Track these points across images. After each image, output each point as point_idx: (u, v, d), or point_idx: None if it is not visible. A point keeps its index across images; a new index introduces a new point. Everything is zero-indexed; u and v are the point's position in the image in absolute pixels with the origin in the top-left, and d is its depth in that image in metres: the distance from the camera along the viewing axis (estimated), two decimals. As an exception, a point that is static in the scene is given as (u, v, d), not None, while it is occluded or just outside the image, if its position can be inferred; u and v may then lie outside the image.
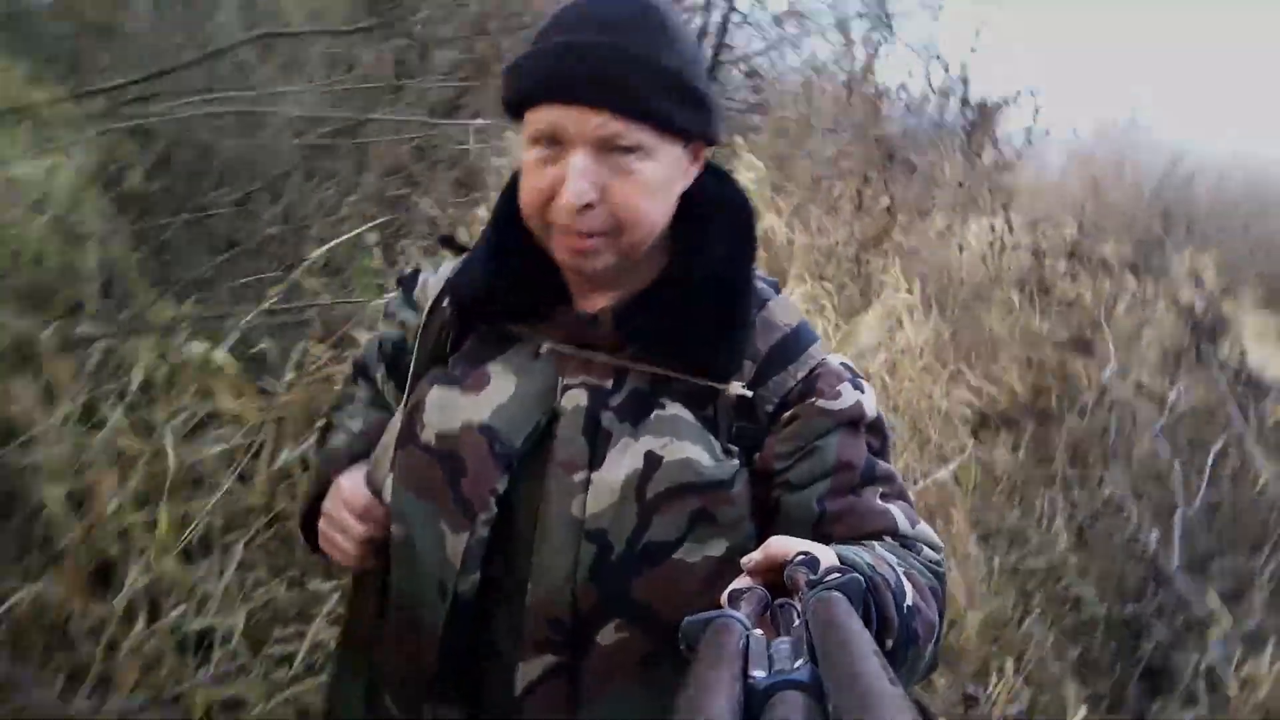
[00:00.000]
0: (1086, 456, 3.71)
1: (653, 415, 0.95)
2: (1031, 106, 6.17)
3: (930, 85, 6.27)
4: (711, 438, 0.95)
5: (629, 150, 0.91)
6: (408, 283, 1.16)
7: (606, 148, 0.91)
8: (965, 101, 6.29)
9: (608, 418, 0.96)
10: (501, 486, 0.95)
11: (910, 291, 3.78)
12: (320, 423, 1.25)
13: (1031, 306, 5.55)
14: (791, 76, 6.04)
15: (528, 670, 0.93)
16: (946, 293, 5.22)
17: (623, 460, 0.93)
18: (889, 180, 5.71)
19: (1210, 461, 3.37)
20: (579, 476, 0.94)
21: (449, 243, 1.16)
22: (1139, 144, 8.57)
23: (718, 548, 0.92)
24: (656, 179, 0.94)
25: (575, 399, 0.97)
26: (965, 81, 6.25)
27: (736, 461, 0.96)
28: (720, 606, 0.65)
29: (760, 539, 0.82)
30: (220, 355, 2.01)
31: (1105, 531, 3.28)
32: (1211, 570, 3.03)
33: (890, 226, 5.22)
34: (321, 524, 1.06)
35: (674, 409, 0.96)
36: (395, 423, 1.05)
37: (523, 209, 0.97)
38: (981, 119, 6.31)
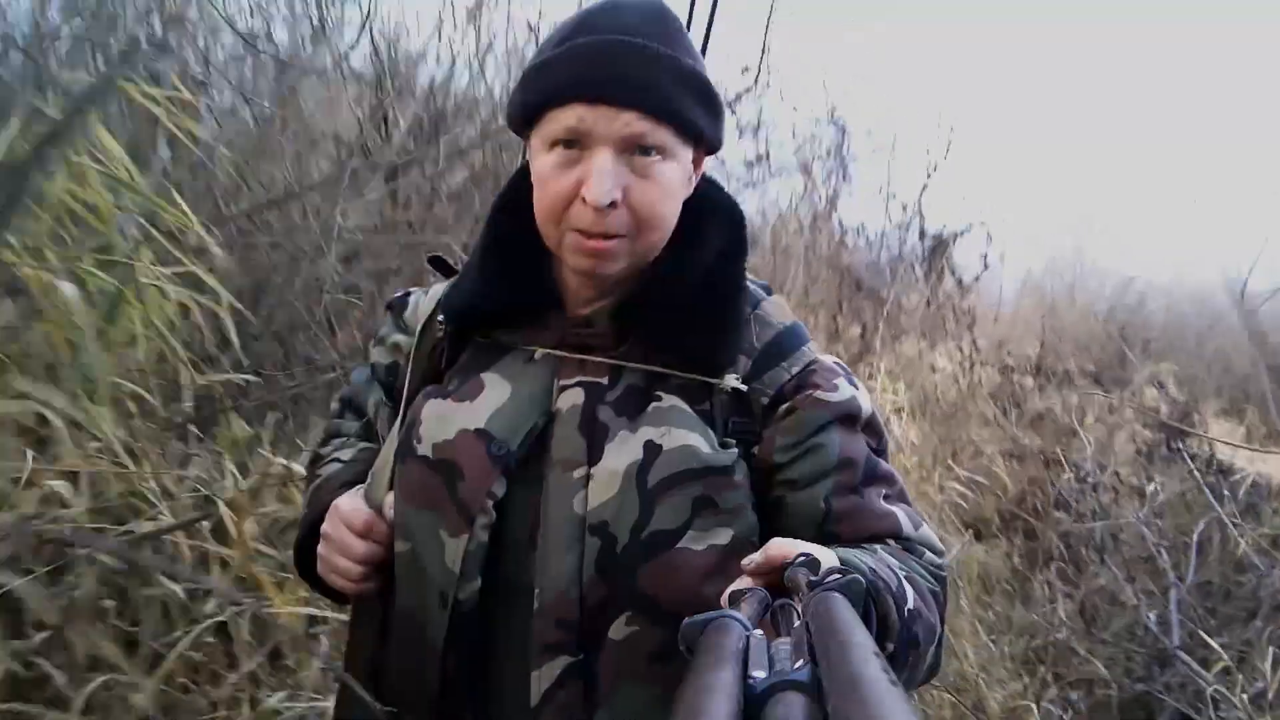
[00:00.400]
0: (1078, 548, 3.85)
1: (650, 407, 0.95)
2: (984, 235, 6.63)
3: (889, 220, 6.73)
4: (709, 429, 0.95)
5: (651, 151, 0.92)
6: (398, 306, 1.15)
7: (629, 148, 0.91)
8: (922, 234, 6.76)
9: (605, 413, 0.95)
10: (499, 489, 0.94)
11: (896, 394, 3.99)
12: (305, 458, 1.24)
13: (1006, 418, 5.81)
14: (757, 219, 6.47)
15: (543, 676, 0.91)
16: (925, 409, 5.47)
17: (622, 451, 0.93)
18: (859, 310, 6.08)
19: (1195, 542, 3.52)
20: (578, 473, 0.93)
21: (439, 264, 1.14)
22: (1087, 270, 9.12)
23: (722, 536, 0.92)
24: (674, 181, 0.95)
25: (572, 398, 0.96)
26: (921, 216, 6.75)
27: (735, 451, 0.95)
28: (721, 606, 0.66)
29: (764, 537, 0.82)
30: (298, 467, 2.14)
31: (1105, 615, 3.38)
32: (1213, 643, 3.13)
33: (865, 352, 5.51)
34: (321, 548, 1.02)
35: (671, 400, 0.96)
36: (392, 440, 1.04)
37: (539, 214, 0.96)
38: (937, 250, 6.78)
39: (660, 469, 0.91)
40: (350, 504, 1.01)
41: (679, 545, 0.90)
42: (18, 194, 1.78)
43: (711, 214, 1.03)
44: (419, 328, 1.07)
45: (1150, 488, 4.09)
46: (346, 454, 1.14)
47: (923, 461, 3.59)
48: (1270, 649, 2.76)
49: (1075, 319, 8.18)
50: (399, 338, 1.12)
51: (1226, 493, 3.63)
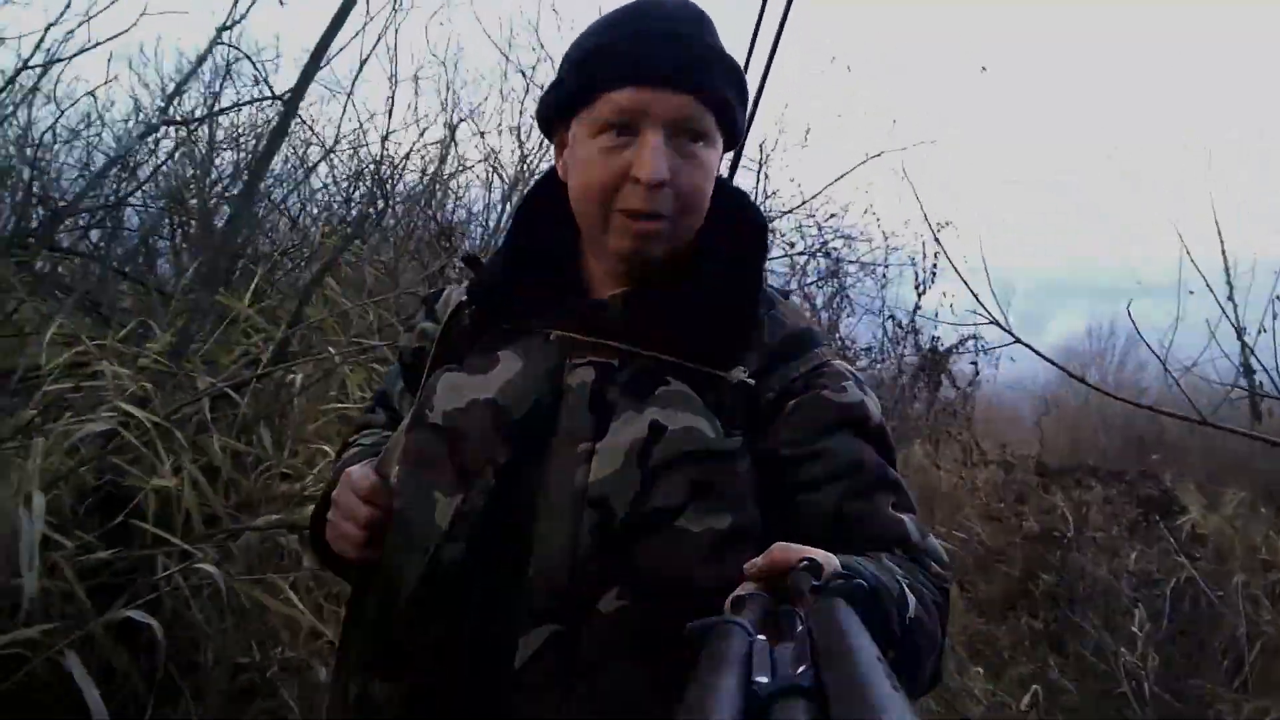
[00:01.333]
0: (1061, 600, 4.24)
1: (659, 390, 0.96)
2: (975, 347, 7.24)
3: (886, 336, 7.37)
4: (715, 418, 0.96)
5: (698, 136, 0.96)
6: (431, 299, 1.18)
7: (678, 132, 0.95)
8: (918, 348, 7.38)
9: (613, 392, 0.96)
10: (501, 456, 0.95)
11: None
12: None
13: (1009, 513, 6.21)
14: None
15: (528, 642, 0.90)
16: (929, 504, 5.88)
17: (627, 429, 0.94)
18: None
19: (1168, 595, 3.92)
20: (583, 447, 0.94)
21: (472, 262, 1.16)
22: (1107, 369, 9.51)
23: (721, 520, 0.91)
24: (713, 168, 1.00)
25: (582, 375, 0.98)
26: (916, 333, 7.38)
27: (740, 440, 0.96)
28: (724, 610, 0.66)
29: (770, 535, 0.82)
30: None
31: (1087, 659, 3.76)
32: (1187, 685, 3.50)
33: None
34: (330, 514, 1.03)
35: (679, 385, 0.96)
36: (407, 419, 1.06)
37: (584, 196, 0.99)
38: (934, 362, 7.37)
39: (663, 448, 0.92)
40: (360, 471, 1.02)
41: (676, 523, 0.91)
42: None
43: (737, 212, 1.07)
44: (446, 315, 1.10)
45: (1133, 555, 4.51)
46: (369, 439, 1.17)
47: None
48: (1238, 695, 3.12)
49: (1070, 415, 8.59)
50: (427, 325, 1.14)
51: (1201, 558, 4.05)
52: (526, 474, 0.94)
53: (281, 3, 3.22)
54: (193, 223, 3.87)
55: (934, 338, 7.29)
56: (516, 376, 0.99)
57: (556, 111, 1.03)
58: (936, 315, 6.38)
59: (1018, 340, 2.24)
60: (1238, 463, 6.45)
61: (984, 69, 6.14)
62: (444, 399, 1.01)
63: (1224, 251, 3.66)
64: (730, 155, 1.15)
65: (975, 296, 2.27)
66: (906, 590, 0.84)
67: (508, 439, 0.96)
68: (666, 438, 0.93)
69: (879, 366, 7.40)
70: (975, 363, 7.32)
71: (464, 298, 1.10)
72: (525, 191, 1.12)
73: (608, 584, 0.90)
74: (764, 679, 0.48)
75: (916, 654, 0.84)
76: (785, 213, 6.33)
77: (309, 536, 1.16)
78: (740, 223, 1.07)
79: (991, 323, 2.23)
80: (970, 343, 7.28)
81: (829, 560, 0.73)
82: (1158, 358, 2.61)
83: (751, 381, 0.98)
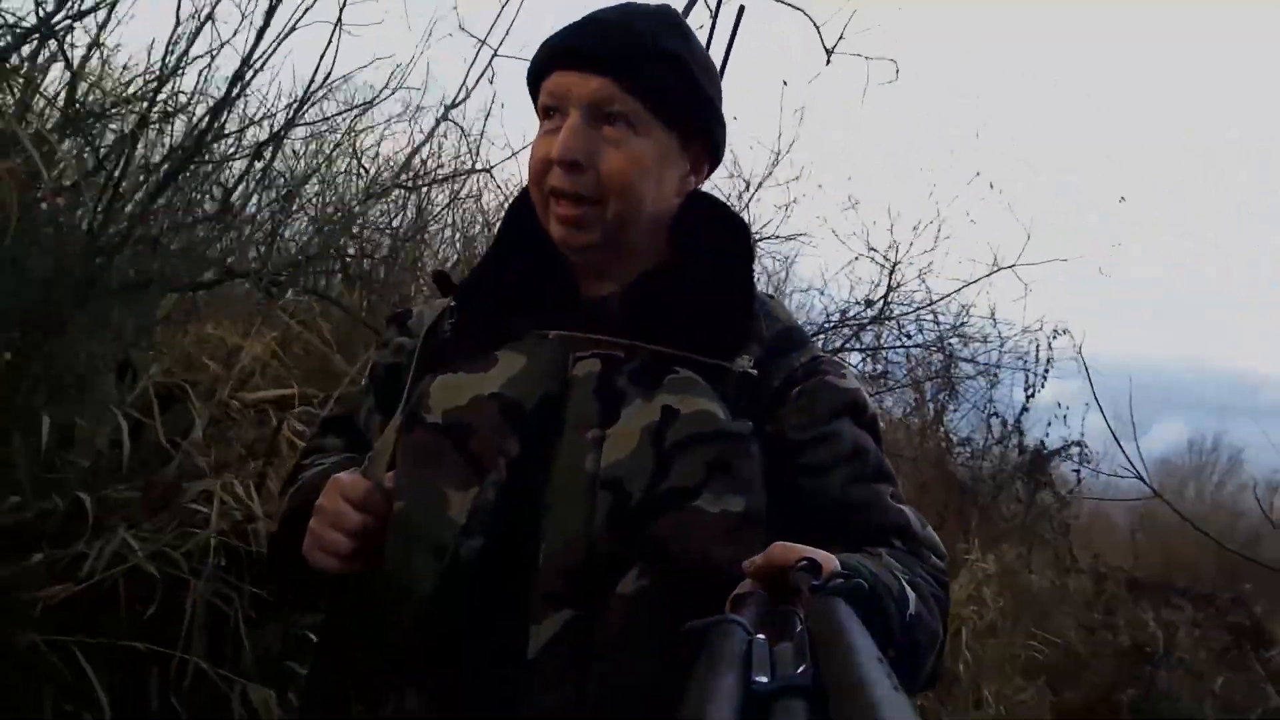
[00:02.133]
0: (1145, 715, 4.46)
1: (667, 378, 0.96)
2: (1078, 453, 7.43)
3: (991, 434, 7.63)
4: (723, 401, 0.96)
5: (619, 120, 0.96)
6: (401, 317, 1.16)
7: (598, 116, 0.96)
8: (1021, 449, 7.61)
9: (622, 381, 0.96)
10: (512, 448, 0.94)
11: (986, 563, 4.72)
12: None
13: (1100, 624, 6.34)
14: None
15: (543, 629, 0.89)
16: (1019, 607, 6.09)
17: (638, 415, 0.93)
18: (963, 512, 6.86)
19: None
20: (592, 434, 0.93)
21: (442, 280, 1.15)
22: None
23: (736, 503, 0.91)
24: (646, 155, 0.98)
25: (588, 366, 0.97)
26: (1021, 433, 7.62)
27: (749, 424, 0.96)
28: (724, 610, 0.64)
29: (777, 521, 0.86)
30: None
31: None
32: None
33: (966, 552, 6.23)
34: (312, 523, 0.96)
35: (686, 373, 0.96)
36: (394, 424, 1.02)
37: (528, 181, 1.02)
38: (1036, 464, 7.58)
39: (678, 430, 0.92)
40: (350, 477, 0.97)
41: (694, 504, 0.90)
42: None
43: (720, 223, 1.09)
44: (424, 329, 1.08)
45: (1219, 681, 4.73)
46: (329, 460, 1.11)
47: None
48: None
49: (1167, 528, 8.57)
50: (402, 339, 1.12)
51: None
52: (537, 464, 0.94)
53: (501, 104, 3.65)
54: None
55: (1041, 440, 7.51)
56: (521, 372, 0.98)
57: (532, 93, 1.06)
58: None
59: (1156, 494, 2.56)
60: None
61: (1123, 199, 6.43)
62: (442, 398, 0.99)
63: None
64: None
65: (1115, 438, 2.57)
66: (906, 587, 0.85)
67: (517, 431, 0.95)
68: (680, 420, 0.93)
69: (979, 463, 7.64)
70: (1078, 470, 7.51)
71: (445, 309, 1.09)
72: (519, 192, 1.12)
73: (627, 565, 0.90)
74: (763, 678, 0.48)
75: (917, 650, 0.86)
76: (915, 308, 6.68)
77: (270, 555, 1.12)
78: (720, 227, 1.09)
79: (1135, 476, 2.53)
80: (1075, 449, 7.48)
81: (828, 559, 0.74)
82: (1260, 506, 2.88)
83: (755, 371, 0.99)
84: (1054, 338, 7.03)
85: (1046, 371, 7.25)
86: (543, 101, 1.00)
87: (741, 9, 1.13)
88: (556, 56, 1.00)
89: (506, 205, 1.18)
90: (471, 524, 0.93)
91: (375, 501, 0.95)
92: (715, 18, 1.87)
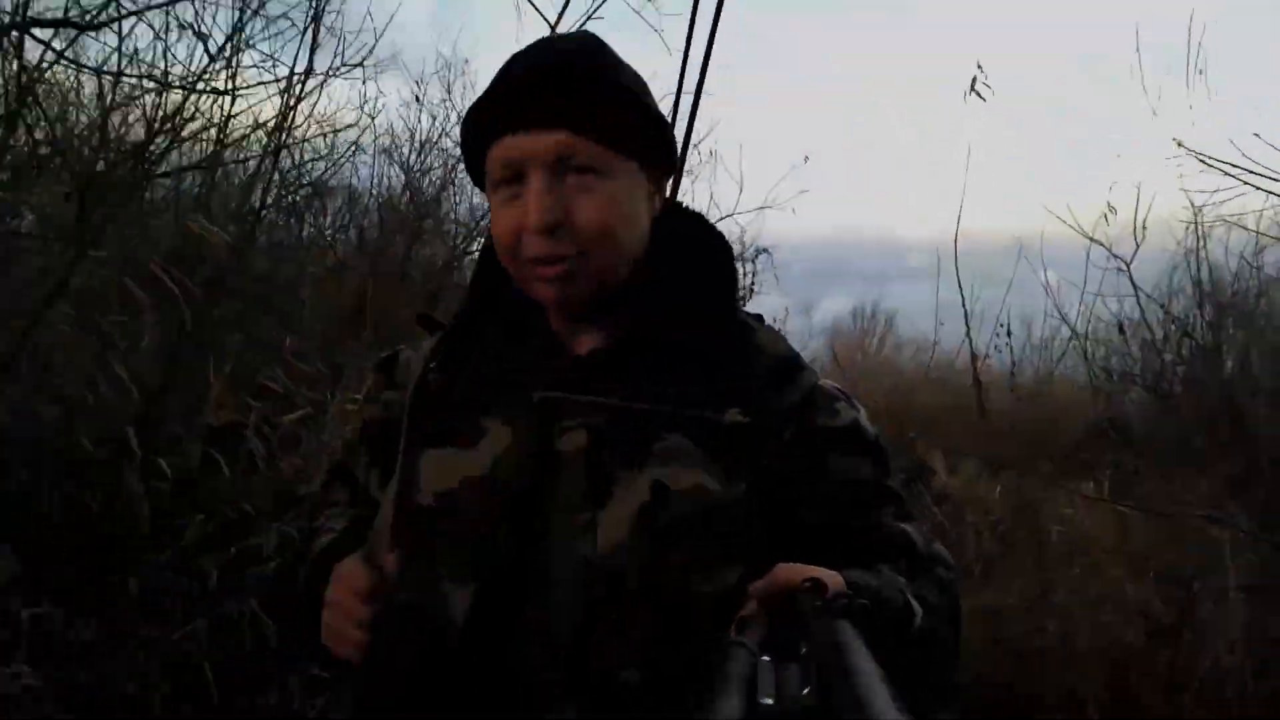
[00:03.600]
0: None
1: (656, 447, 0.93)
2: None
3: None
4: (715, 463, 0.94)
5: (586, 169, 0.93)
6: (387, 365, 1.14)
7: (564, 169, 0.93)
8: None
9: (609, 456, 0.94)
10: (506, 538, 0.92)
11: None
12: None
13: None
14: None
15: None
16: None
17: (629, 495, 0.91)
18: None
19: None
20: (584, 517, 0.91)
21: (427, 321, 1.15)
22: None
23: (733, 574, 0.88)
24: (615, 198, 0.96)
25: (575, 441, 0.95)
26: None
27: (744, 484, 0.94)
28: (729, 633, 0.65)
29: (773, 562, 0.82)
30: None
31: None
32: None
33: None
34: (326, 615, 0.98)
35: (675, 439, 0.94)
36: (390, 494, 1.01)
37: (500, 256, 0.99)
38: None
39: (670, 510, 0.91)
40: (352, 567, 0.98)
41: (690, 588, 0.89)
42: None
43: (697, 246, 1.06)
44: (413, 384, 1.06)
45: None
46: (340, 524, 1.12)
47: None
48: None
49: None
50: (391, 395, 1.11)
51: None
52: (529, 551, 0.92)
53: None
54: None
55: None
56: (507, 450, 0.96)
57: (473, 173, 1.04)
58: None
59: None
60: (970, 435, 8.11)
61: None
62: (432, 478, 0.98)
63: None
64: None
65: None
66: (912, 602, 0.84)
67: (507, 518, 0.93)
68: (671, 499, 0.91)
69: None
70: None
71: (429, 356, 1.07)
72: (485, 244, 1.10)
73: (626, 657, 0.88)
74: (769, 700, 0.49)
75: (928, 665, 0.85)
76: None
77: (297, 627, 1.09)
78: (701, 250, 1.07)
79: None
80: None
81: (833, 579, 0.73)
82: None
83: (746, 420, 0.96)
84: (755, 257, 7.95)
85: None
86: (495, 172, 0.97)
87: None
88: (501, 119, 0.95)
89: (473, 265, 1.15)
90: (472, 620, 0.91)
91: (379, 594, 0.96)
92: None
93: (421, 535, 0.97)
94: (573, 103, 0.94)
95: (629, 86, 0.99)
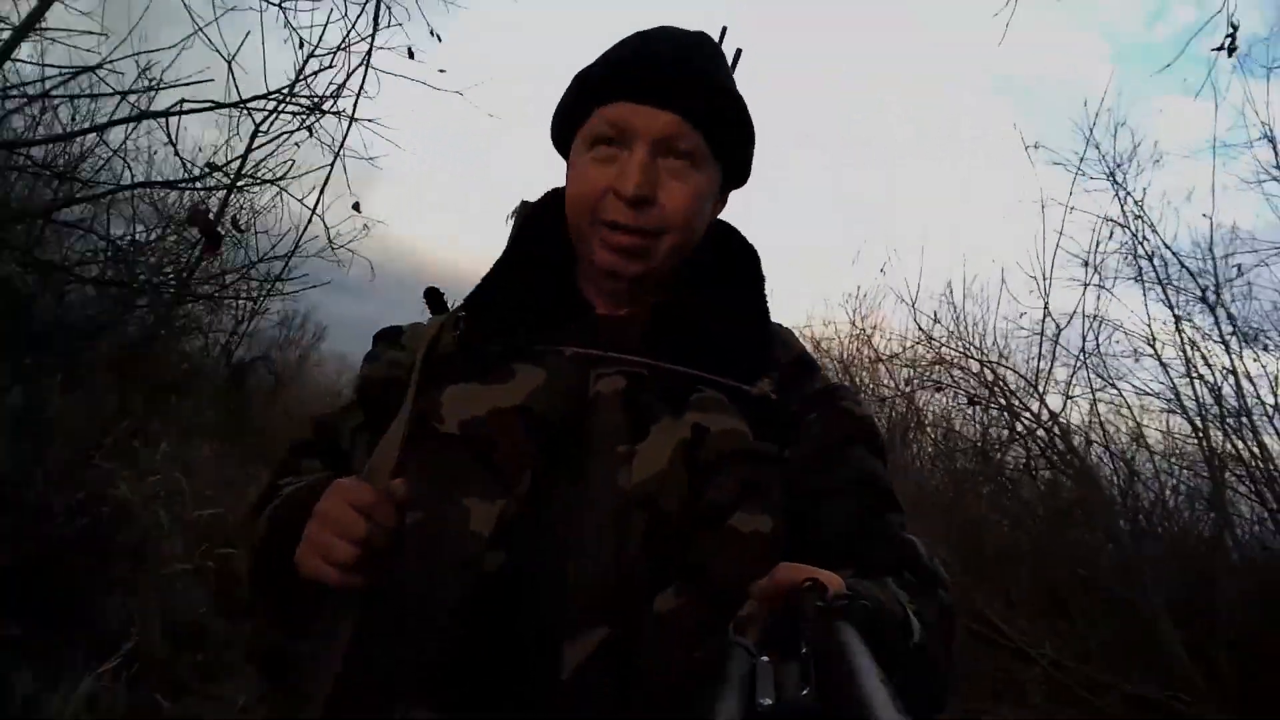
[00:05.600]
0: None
1: (693, 397, 0.95)
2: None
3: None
4: (748, 421, 0.95)
5: (684, 155, 0.97)
6: (390, 334, 1.12)
7: (664, 150, 0.96)
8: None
9: (649, 397, 0.95)
10: (538, 461, 0.91)
11: None
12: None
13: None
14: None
15: (575, 650, 0.85)
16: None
17: (669, 431, 0.92)
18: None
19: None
20: (622, 449, 0.92)
21: (434, 296, 1.14)
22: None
23: (765, 524, 0.90)
24: (701, 191, 0.99)
25: (613, 384, 0.96)
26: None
27: (775, 445, 0.95)
28: (728, 633, 0.64)
29: (791, 543, 0.85)
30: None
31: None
32: None
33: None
34: (311, 528, 0.87)
35: (710, 393, 0.96)
36: (396, 433, 0.95)
37: (573, 207, 1.00)
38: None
39: (710, 448, 0.92)
40: (354, 482, 0.88)
41: (730, 522, 0.90)
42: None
43: (735, 248, 1.11)
44: (424, 343, 1.03)
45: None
46: (315, 477, 1.00)
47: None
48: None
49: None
50: (396, 354, 1.07)
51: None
52: (564, 478, 0.91)
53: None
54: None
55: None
56: (542, 386, 0.96)
57: (560, 127, 1.06)
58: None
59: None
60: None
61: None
62: (457, 409, 0.96)
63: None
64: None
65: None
66: (912, 615, 0.83)
67: (541, 444, 0.93)
68: (711, 437, 0.93)
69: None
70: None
71: (446, 323, 1.06)
72: (528, 208, 1.13)
73: (663, 583, 0.88)
74: (768, 699, 0.48)
75: (921, 679, 0.83)
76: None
77: (252, 569, 0.98)
78: (731, 250, 1.11)
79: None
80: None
81: (834, 580, 0.72)
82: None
83: (775, 396, 0.98)
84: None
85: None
86: (599, 129, 0.99)
87: (739, 52, 1.07)
88: (621, 85, 0.98)
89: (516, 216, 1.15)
90: (497, 537, 0.89)
91: (385, 510, 0.86)
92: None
93: (443, 459, 0.94)
94: (694, 91, 0.98)
95: (737, 91, 1.04)
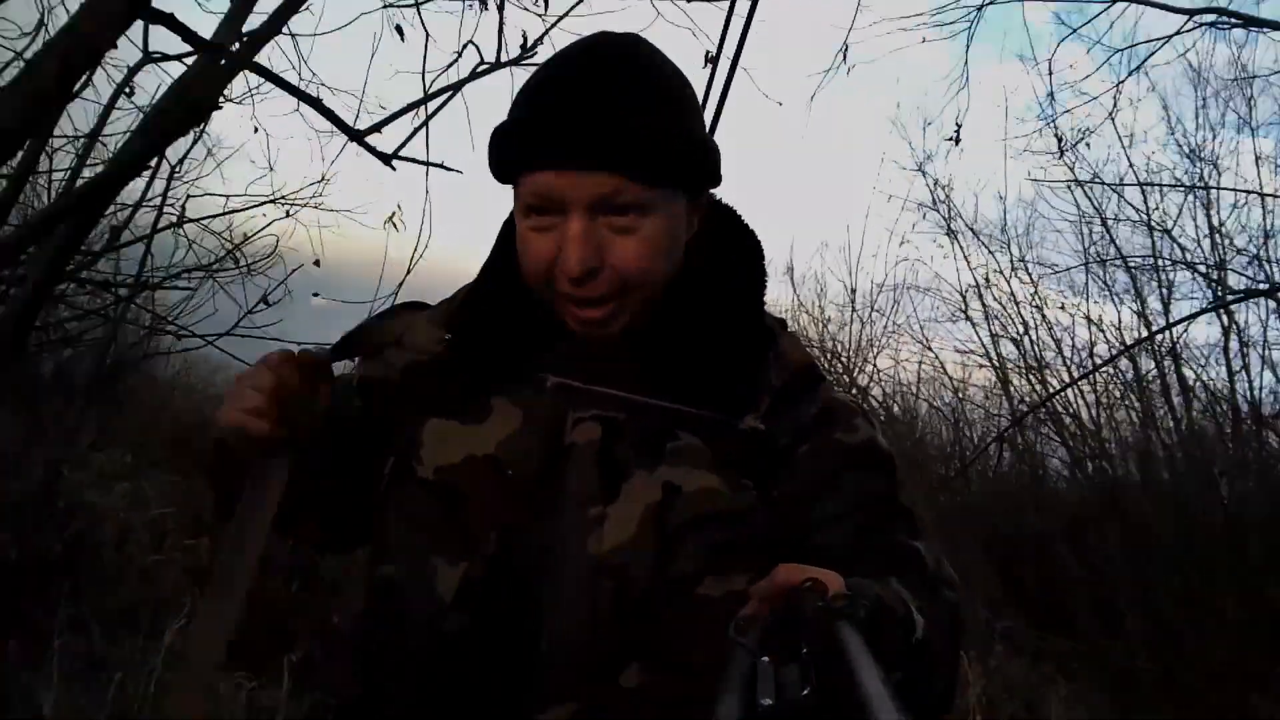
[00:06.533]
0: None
1: (668, 447, 0.91)
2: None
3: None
4: (728, 468, 0.92)
5: (625, 210, 0.89)
6: (388, 319, 1.10)
7: (604, 208, 0.89)
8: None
9: (622, 450, 0.91)
10: (507, 520, 0.90)
11: None
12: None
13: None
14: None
15: None
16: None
17: (640, 493, 0.89)
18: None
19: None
20: (594, 511, 0.89)
21: (417, 308, 1.11)
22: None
23: (741, 582, 0.85)
24: (658, 234, 0.92)
25: (587, 432, 0.92)
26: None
27: (755, 492, 0.93)
28: (730, 633, 0.65)
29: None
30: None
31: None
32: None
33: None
34: (227, 390, 0.92)
35: (689, 439, 0.92)
36: (389, 463, 0.98)
37: (527, 279, 0.95)
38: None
39: (681, 512, 0.89)
40: (278, 350, 0.92)
41: (698, 590, 0.88)
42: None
43: (729, 244, 1.03)
44: (414, 355, 1.03)
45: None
46: None
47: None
48: None
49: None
50: (394, 354, 1.06)
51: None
52: (533, 539, 0.90)
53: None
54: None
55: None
56: (516, 432, 0.94)
57: (497, 177, 0.97)
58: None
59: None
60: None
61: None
62: (434, 452, 0.95)
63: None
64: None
65: None
66: (914, 612, 0.82)
67: (512, 501, 0.91)
68: (682, 500, 0.90)
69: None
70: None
71: (431, 330, 1.04)
72: (501, 231, 1.07)
73: (630, 658, 0.87)
74: (768, 700, 0.49)
75: (925, 676, 0.83)
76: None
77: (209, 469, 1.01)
78: (732, 248, 1.04)
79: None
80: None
81: (834, 580, 0.72)
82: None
83: (762, 427, 0.95)
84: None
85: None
86: (528, 199, 0.92)
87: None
88: (539, 152, 0.90)
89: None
90: (458, 601, 0.89)
91: (302, 365, 0.91)
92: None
93: (417, 508, 0.95)
94: (619, 143, 0.89)
95: (675, 112, 0.94)
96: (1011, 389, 6.81)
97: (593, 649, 0.87)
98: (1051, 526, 5.86)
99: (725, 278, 1.01)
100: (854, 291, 7.41)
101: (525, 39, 3.24)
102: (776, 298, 7.60)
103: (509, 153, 0.94)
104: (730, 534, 0.90)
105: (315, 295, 4.07)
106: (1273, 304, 5.72)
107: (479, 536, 0.90)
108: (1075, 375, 6.17)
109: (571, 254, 0.89)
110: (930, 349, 7.28)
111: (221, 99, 2.77)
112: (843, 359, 7.24)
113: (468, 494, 0.93)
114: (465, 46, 3.19)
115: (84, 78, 2.90)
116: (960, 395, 7.14)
